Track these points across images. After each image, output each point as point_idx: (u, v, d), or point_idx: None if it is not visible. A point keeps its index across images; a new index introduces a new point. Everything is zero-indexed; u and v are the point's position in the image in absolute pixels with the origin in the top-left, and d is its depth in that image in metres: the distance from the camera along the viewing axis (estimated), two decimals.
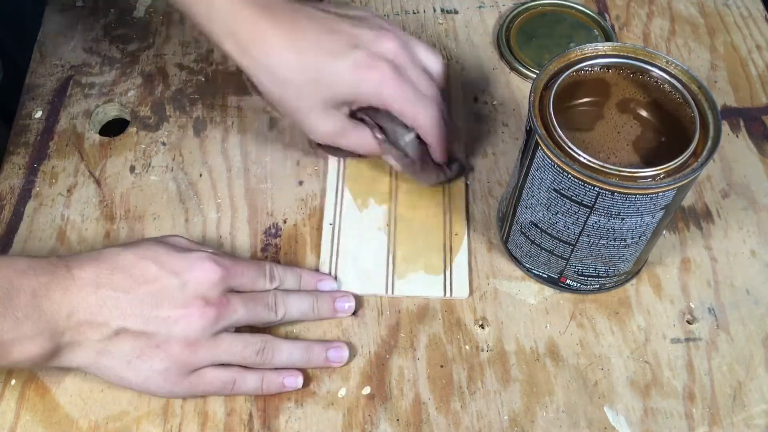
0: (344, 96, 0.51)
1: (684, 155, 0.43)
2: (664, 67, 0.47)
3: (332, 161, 0.58)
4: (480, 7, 0.70)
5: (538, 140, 0.44)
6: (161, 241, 0.49)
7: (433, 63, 0.54)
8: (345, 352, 0.49)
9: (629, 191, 0.42)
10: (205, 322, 0.45)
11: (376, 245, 0.54)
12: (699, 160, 0.43)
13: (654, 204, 0.44)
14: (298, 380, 0.48)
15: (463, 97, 0.63)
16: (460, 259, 0.54)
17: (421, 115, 0.51)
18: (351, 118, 0.53)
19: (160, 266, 0.46)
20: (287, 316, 0.49)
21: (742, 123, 0.62)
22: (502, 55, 0.66)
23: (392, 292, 0.52)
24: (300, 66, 0.50)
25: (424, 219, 0.55)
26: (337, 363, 0.49)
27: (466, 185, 0.58)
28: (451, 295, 0.52)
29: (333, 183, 0.57)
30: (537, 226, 0.49)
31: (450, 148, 0.55)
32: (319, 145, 0.57)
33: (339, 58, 0.50)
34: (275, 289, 0.50)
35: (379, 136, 0.53)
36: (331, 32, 0.51)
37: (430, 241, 0.54)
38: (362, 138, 0.54)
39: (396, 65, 0.51)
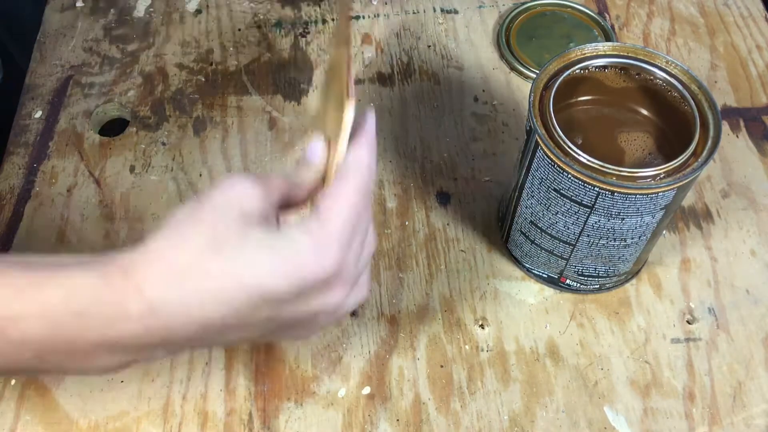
0: None
1: (684, 155, 0.43)
2: (664, 67, 0.47)
3: None
4: (480, 7, 0.70)
5: (538, 140, 0.44)
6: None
7: None
8: None
9: (629, 191, 0.42)
10: None
11: None
12: (699, 160, 0.43)
13: (654, 204, 0.44)
14: None
15: (463, 97, 0.63)
16: None
17: None
18: None
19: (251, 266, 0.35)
20: None
21: (742, 123, 0.62)
22: (502, 55, 0.66)
23: None
24: None
25: None
26: None
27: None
28: None
29: None
30: (537, 226, 0.49)
31: None
32: None
33: None
34: None
35: None
36: None
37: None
38: None
39: None
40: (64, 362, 0.34)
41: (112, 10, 0.69)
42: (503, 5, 0.70)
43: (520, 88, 0.64)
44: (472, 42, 0.67)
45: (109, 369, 0.35)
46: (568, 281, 0.52)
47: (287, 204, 0.39)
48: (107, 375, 0.36)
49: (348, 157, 0.37)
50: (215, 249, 0.34)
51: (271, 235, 0.35)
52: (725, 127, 0.61)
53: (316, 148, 0.39)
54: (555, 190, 0.45)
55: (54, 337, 0.33)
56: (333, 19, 0.69)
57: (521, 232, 0.51)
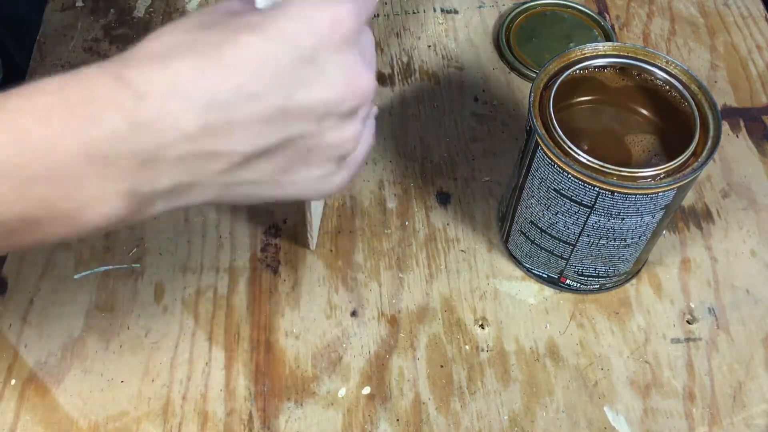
0: None
1: (684, 155, 0.43)
2: (664, 67, 0.47)
3: None
4: (480, 7, 0.70)
5: (538, 140, 0.44)
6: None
7: None
8: None
9: (629, 191, 0.42)
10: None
11: None
12: (699, 160, 0.43)
13: (654, 204, 0.44)
14: None
15: (463, 97, 0.63)
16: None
17: None
18: None
19: (260, 30, 0.31)
20: None
21: (742, 123, 0.62)
22: (502, 55, 0.66)
23: None
24: None
25: None
26: None
27: None
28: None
29: None
30: (537, 226, 0.49)
31: None
32: None
33: None
34: None
35: None
36: None
37: None
38: None
39: None
40: (51, 195, 0.28)
41: (112, 10, 0.69)
42: (503, 5, 0.70)
43: (520, 88, 0.64)
44: (472, 42, 0.67)
45: (111, 215, 0.29)
46: (568, 281, 0.52)
47: None
48: (109, 226, 0.30)
49: None
50: (204, 26, 0.30)
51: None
52: (725, 127, 0.61)
53: None
54: (555, 190, 0.45)
55: (25, 153, 0.27)
56: None
57: (521, 232, 0.51)
